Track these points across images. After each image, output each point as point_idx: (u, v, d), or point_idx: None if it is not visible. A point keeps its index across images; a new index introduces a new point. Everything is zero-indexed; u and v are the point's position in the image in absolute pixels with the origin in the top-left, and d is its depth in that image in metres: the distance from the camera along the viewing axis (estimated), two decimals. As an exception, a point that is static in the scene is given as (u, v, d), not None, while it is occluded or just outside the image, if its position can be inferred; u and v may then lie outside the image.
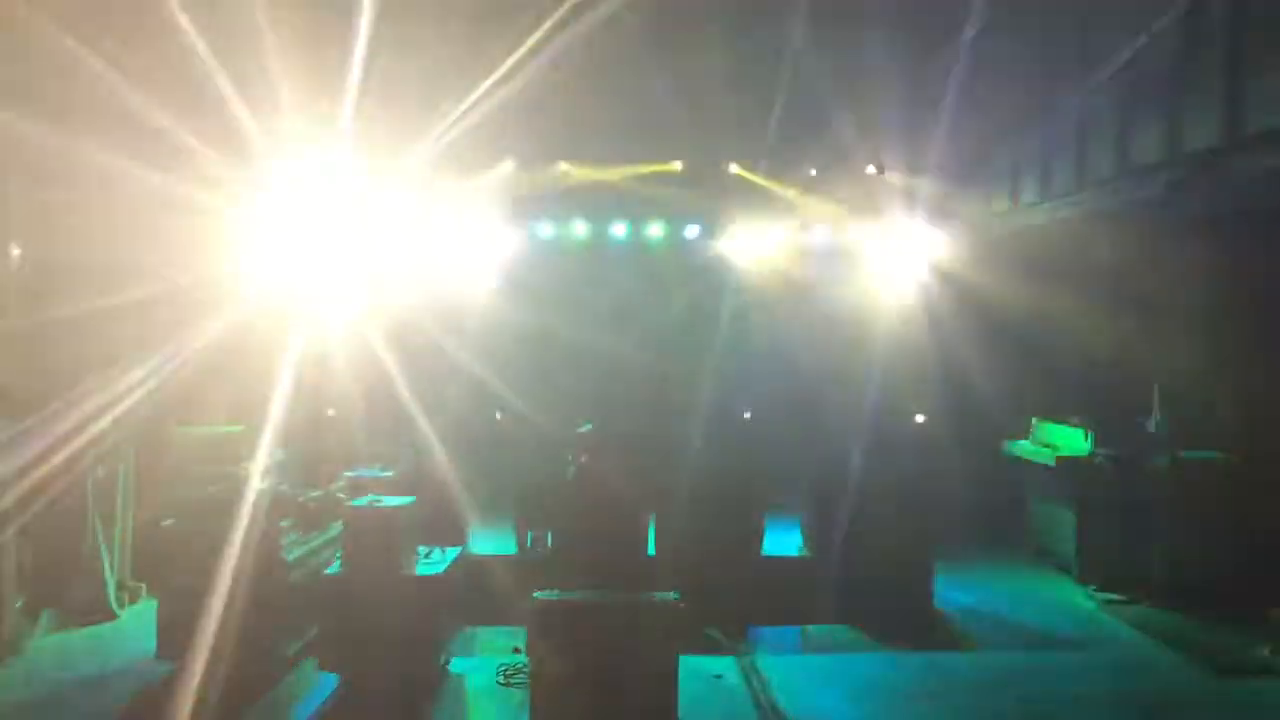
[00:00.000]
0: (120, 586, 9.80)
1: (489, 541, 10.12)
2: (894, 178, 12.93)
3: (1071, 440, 11.09)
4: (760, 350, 13.70)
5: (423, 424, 12.69)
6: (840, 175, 13.12)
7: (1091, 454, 10.64)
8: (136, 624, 9.22)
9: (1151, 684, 8.05)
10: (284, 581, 7.83)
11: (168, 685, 7.81)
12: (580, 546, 8.01)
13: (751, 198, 13.00)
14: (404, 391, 13.27)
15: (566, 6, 12.57)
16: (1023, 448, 11.98)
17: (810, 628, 9.37)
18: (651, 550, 9.32)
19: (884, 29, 13.41)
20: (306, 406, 12.38)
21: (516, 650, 8.28)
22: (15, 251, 9.63)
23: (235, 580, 7.77)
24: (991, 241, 12.13)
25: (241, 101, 10.40)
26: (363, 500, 8.06)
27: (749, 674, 8.21)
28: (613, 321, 13.73)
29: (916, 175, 13.22)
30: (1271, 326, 10.13)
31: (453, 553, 8.38)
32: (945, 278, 13.08)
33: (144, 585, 9.90)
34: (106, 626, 9.31)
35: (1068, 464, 10.89)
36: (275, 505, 8.24)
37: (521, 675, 7.82)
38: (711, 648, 8.75)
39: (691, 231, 13.15)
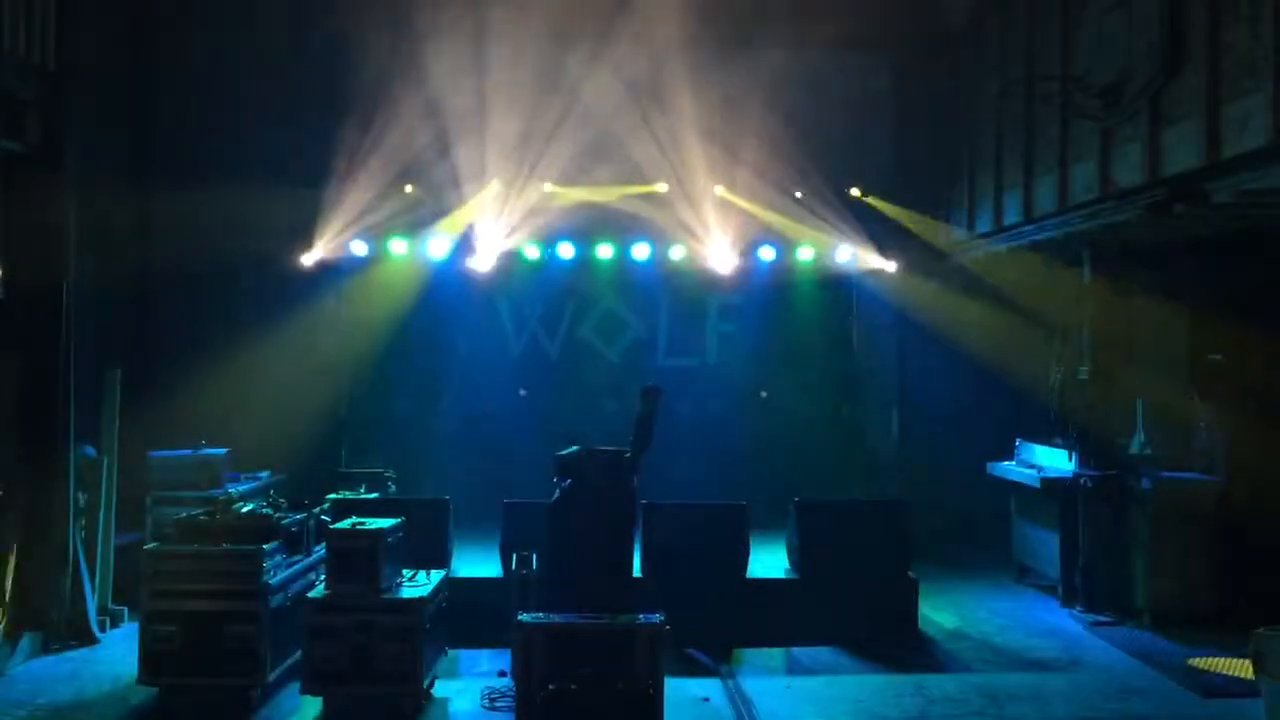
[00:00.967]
0: (102, 610, 9.73)
1: (474, 563, 10.09)
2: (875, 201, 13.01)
3: (1056, 461, 11.12)
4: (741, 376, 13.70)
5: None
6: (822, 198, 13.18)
7: (1076, 475, 10.66)
8: (118, 648, 9.15)
9: (1138, 705, 8.05)
10: (267, 605, 7.77)
11: (149, 710, 7.80)
12: (565, 569, 7.98)
13: (734, 219, 13.02)
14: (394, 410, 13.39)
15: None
16: (1007, 468, 12.01)
17: (796, 649, 9.34)
18: (637, 572, 9.31)
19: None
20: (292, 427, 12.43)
21: (501, 674, 8.25)
22: None
23: (217, 604, 7.75)
24: (970, 264, 12.19)
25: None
26: (346, 523, 8.04)
27: (735, 696, 8.19)
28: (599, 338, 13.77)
29: (894, 197, 13.33)
30: (1251, 346, 10.20)
31: (437, 575, 8.35)
32: (923, 300, 13.16)
33: (126, 609, 9.84)
34: (88, 650, 9.23)
35: (1052, 485, 10.91)
36: (259, 528, 8.20)
37: (506, 699, 7.78)
38: (697, 670, 8.73)
39: (677, 252, 13.14)
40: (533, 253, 13.19)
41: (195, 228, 12.96)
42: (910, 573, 10.04)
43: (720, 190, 12.90)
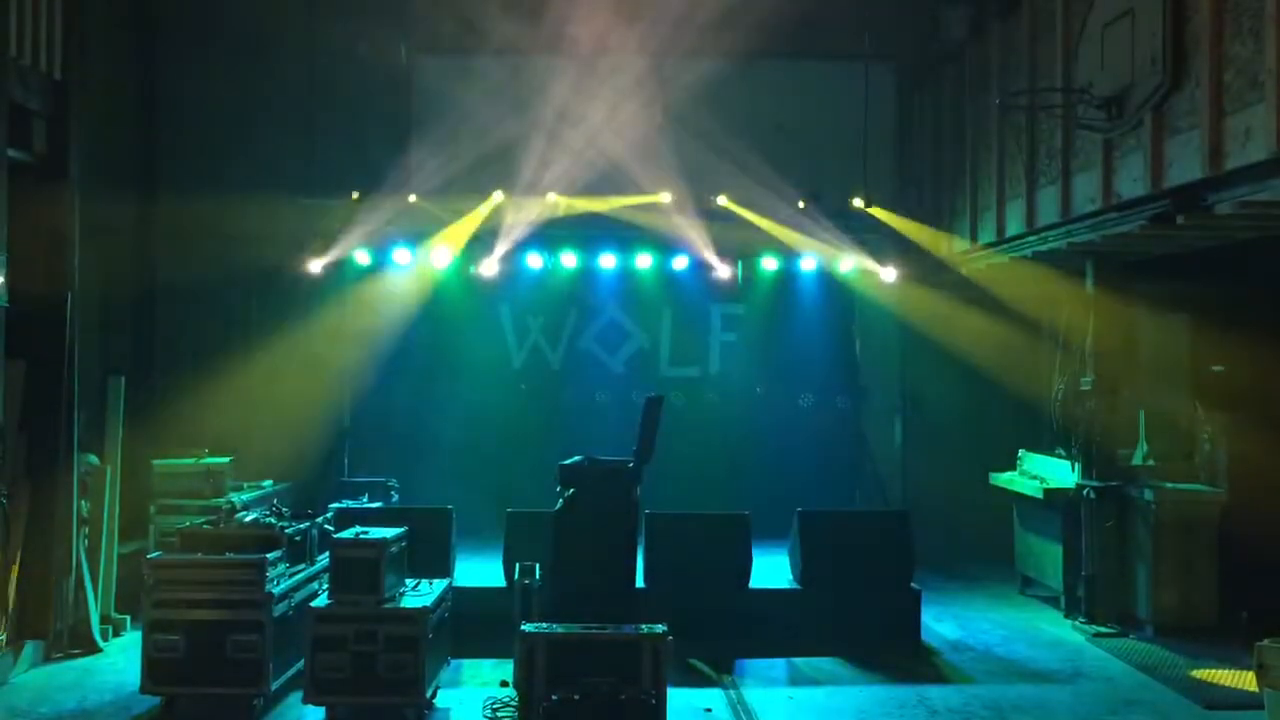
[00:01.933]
0: (105, 619, 9.74)
1: (476, 573, 10.09)
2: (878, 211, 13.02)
3: (1058, 472, 11.12)
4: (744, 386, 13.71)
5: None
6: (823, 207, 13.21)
7: (1078, 486, 10.67)
8: (121, 657, 9.17)
9: (1141, 717, 8.04)
10: (270, 614, 7.77)
11: (152, 719, 7.80)
12: (568, 578, 7.99)
13: (736, 229, 13.05)
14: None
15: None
16: (1010, 479, 12.01)
17: (798, 660, 9.34)
18: (640, 582, 9.31)
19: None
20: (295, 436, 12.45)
21: (504, 684, 8.24)
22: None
23: (220, 613, 7.75)
24: (972, 275, 12.20)
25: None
26: (349, 532, 8.05)
27: (737, 707, 8.18)
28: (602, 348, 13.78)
29: (896, 207, 13.35)
30: (1254, 358, 10.22)
31: (440, 584, 8.36)
32: (926, 310, 13.17)
33: (128, 618, 9.84)
34: (90, 660, 9.24)
35: (1054, 496, 10.91)
36: (262, 537, 8.21)
37: (509, 709, 7.78)
38: (700, 680, 8.73)
39: (680, 262, 13.17)
40: (535, 262, 13.20)
41: (199, 237, 13.02)
42: (913, 583, 10.04)
43: (723, 200, 12.91)
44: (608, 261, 13.31)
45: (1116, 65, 8.87)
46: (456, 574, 9.70)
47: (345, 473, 12.93)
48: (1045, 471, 11.44)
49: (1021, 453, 12.12)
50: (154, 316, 13.28)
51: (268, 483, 11.82)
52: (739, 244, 13.20)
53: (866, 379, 13.95)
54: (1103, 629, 10.22)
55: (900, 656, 9.43)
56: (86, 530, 9.77)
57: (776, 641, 9.57)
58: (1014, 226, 11.08)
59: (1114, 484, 10.54)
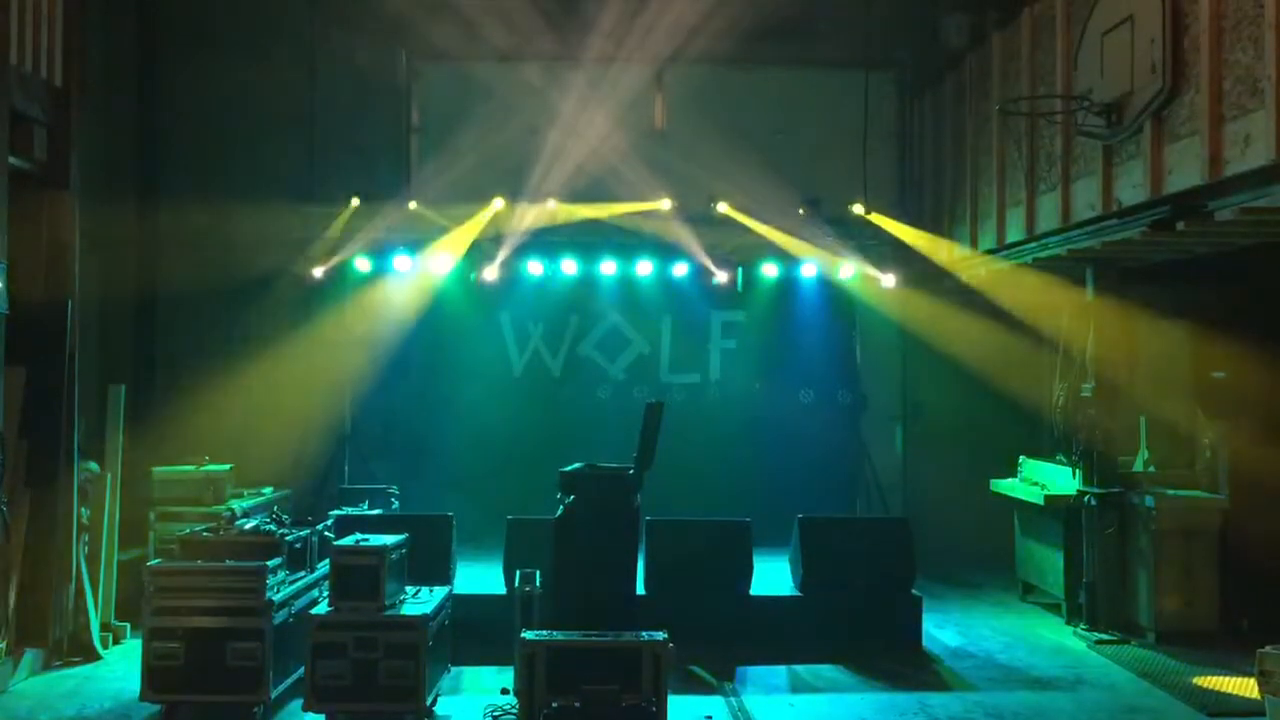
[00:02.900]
0: (104, 626, 9.73)
1: (477, 580, 10.09)
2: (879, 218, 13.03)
3: (1059, 479, 11.11)
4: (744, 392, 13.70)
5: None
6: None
7: (1079, 492, 10.66)
8: (121, 665, 9.16)
9: (1141, 724, 8.04)
10: (270, 621, 7.77)
11: (152, 727, 7.80)
12: (568, 586, 7.98)
13: (737, 236, 13.06)
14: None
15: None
16: (1011, 486, 12.01)
17: (799, 667, 9.33)
18: (640, 589, 9.30)
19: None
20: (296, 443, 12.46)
21: (505, 691, 8.23)
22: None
23: (220, 621, 7.75)
24: (973, 281, 12.21)
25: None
26: (349, 539, 8.04)
27: (738, 714, 8.17)
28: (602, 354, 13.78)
29: (897, 213, 13.35)
30: (1255, 364, 10.22)
31: (440, 591, 8.35)
32: (927, 317, 13.17)
33: (128, 625, 9.84)
34: (90, 667, 9.23)
35: (1055, 503, 10.91)
36: (262, 544, 8.20)
37: (510, 716, 7.76)
38: (701, 687, 8.72)
39: (680, 269, 13.18)
40: (536, 269, 13.21)
41: (200, 244, 13.05)
42: (914, 590, 10.04)
43: (723, 207, 12.92)
44: (608, 268, 13.31)
45: (1116, 72, 8.88)
46: (457, 581, 9.70)
47: (345, 480, 12.94)
48: (1046, 478, 11.44)
49: (1022, 459, 12.11)
50: (154, 324, 13.28)
51: (268, 490, 11.82)
52: (739, 250, 13.21)
53: (867, 385, 13.95)
54: (1104, 636, 10.21)
55: (901, 664, 9.41)
56: (86, 537, 9.76)
57: (777, 648, 9.56)
58: (1014, 233, 11.09)
59: (1115, 490, 10.54)
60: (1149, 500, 10.28)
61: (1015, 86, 10.97)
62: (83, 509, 9.73)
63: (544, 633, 7.16)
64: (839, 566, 9.94)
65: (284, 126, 13.51)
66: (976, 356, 12.62)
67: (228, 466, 11.35)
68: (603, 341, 13.81)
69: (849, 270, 13.08)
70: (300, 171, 13.37)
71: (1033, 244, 10.71)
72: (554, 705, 6.71)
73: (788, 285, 13.56)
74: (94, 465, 10.03)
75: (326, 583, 8.00)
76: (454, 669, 8.69)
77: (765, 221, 12.91)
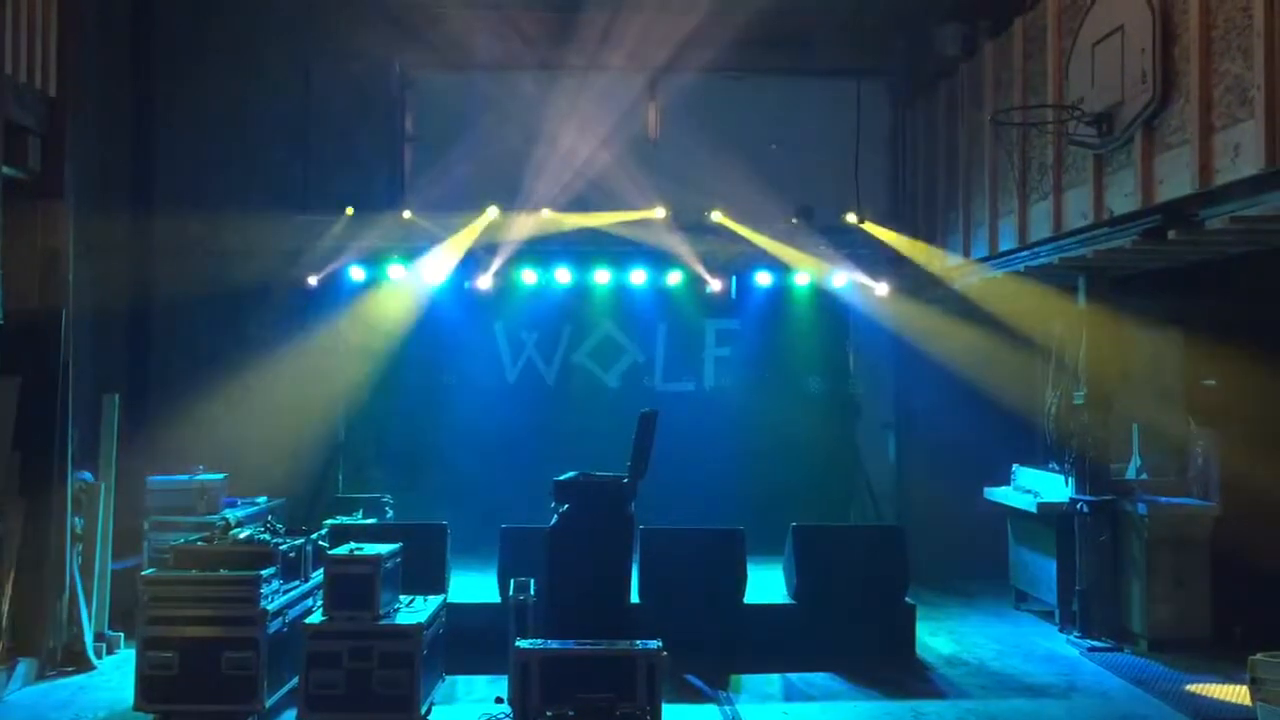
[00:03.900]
0: (98, 636, 9.71)
1: (471, 589, 10.09)
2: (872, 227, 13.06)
3: (1052, 486, 11.14)
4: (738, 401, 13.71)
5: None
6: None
7: (1072, 500, 10.69)
8: (115, 675, 9.16)
9: (1134, 731, 8.06)
10: (264, 631, 7.77)
11: (146, 737, 7.80)
12: (563, 594, 8.00)
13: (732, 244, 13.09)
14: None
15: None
16: (1004, 494, 12.03)
17: (793, 675, 9.34)
18: (634, 597, 9.32)
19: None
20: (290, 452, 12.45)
21: (499, 700, 8.23)
22: None
23: (214, 630, 7.75)
24: (966, 289, 12.24)
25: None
26: (343, 548, 8.04)
27: (732, 723, 8.19)
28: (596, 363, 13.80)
29: (890, 222, 13.38)
30: (1246, 372, 10.26)
31: (435, 600, 8.36)
32: (920, 325, 13.21)
33: (122, 635, 9.83)
34: (84, 677, 9.22)
35: (1049, 510, 10.94)
36: (256, 553, 8.20)
37: (504, 725, 7.78)
38: (695, 696, 8.72)
39: (674, 278, 13.21)
40: (530, 278, 13.24)
41: (194, 253, 13.05)
42: (907, 598, 10.06)
43: (717, 215, 12.96)
44: (602, 277, 13.34)
45: (1107, 82, 8.92)
46: (451, 590, 9.69)
47: (339, 489, 12.95)
48: (1039, 486, 11.47)
49: (1015, 467, 12.14)
50: (148, 333, 13.27)
51: (262, 499, 11.79)
52: (733, 259, 13.24)
53: (860, 394, 13.97)
54: (1097, 643, 10.23)
55: (895, 671, 9.43)
56: (80, 547, 9.75)
57: (771, 657, 9.57)
58: (1006, 242, 11.13)
59: (1107, 498, 10.57)
60: (1141, 508, 10.31)
61: (1007, 96, 11.02)
62: (76, 518, 9.71)
63: (538, 641, 7.17)
64: (833, 575, 9.95)
65: (278, 136, 13.52)
66: (970, 365, 12.65)
67: (222, 476, 11.33)
68: (597, 350, 13.82)
69: (842, 279, 13.11)
70: (294, 180, 13.37)
71: (1025, 252, 10.75)
72: (548, 714, 6.72)
73: (781, 294, 13.59)
74: (88, 475, 10.02)
75: (321, 592, 8.02)
76: (448, 678, 8.69)
77: (759, 230, 12.95)
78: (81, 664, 9.39)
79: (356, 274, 13.01)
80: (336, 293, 13.09)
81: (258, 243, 12.87)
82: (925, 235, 13.20)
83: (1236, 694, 8.46)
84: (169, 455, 11.68)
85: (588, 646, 7.08)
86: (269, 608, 7.87)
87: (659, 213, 12.91)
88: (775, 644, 9.72)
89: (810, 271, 13.21)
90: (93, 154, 11.09)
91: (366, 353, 13.09)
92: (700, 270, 13.04)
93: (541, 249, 13.02)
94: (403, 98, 14.05)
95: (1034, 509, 11.12)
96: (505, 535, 9.88)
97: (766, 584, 10.40)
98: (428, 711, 7.99)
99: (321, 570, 8.18)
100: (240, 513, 10.93)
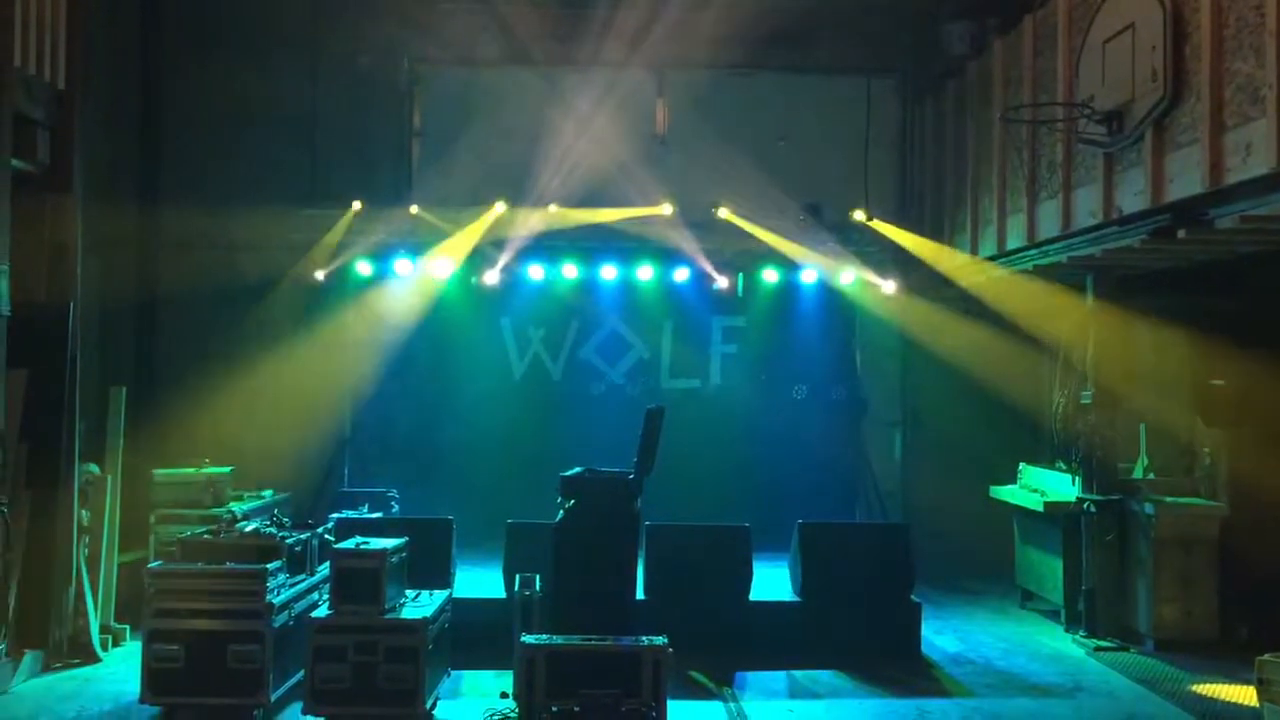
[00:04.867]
0: (104, 629, 9.73)
1: (477, 584, 10.09)
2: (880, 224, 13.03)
3: (1059, 486, 11.12)
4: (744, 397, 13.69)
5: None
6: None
7: (1079, 500, 10.67)
8: (121, 667, 9.16)
9: (1140, 731, 8.05)
10: (270, 624, 7.77)
11: (151, 729, 7.81)
12: (568, 590, 8.00)
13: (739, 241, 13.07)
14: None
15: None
16: (1010, 493, 12.01)
17: (798, 673, 9.34)
18: (640, 594, 9.31)
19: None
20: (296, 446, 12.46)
21: (504, 695, 8.23)
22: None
23: (220, 623, 7.75)
24: (973, 288, 12.22)
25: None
26: (349, 543, 8.05)
27: (737, 719, 8.17)
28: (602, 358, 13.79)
29: (898, 220, 13.36)
30: (1254, 372, 10.23)
31: (440, 595, 8.36)
32: (927, 323, 13.18)
33: (128, 628, 9.84)
34: (90, 669, 9.24)
35: (1055, 510, 10.92)
36: (262, 547, 8.21)
37: (509, 720, 7.78)
38: (700, 692, 8.72)
39: (681, 274, 13.19)
40: (537, 273, 13.22)
41: (201, 247, 13.07)
42: (913, 596, 10.04)
43: (724, 212, 12.94)
44: (609, 273, 13.32)
45: (1117, 80, 8.91)
46: (457, 585, 9.71)
47: (345, 483, 12.94)
48: (1045, 485, 11.45)
49: (1022, 466, 12.12)
50: (155, 326, 13.29)
51: (268, 493, 11.82)
52: (740, 256, 13.22)
53: (867, 392, 13.95)
54: (1103, 643, 10.22)
55: (900, 670, 9.41)
56: (87, 539, 9.77)
57: (777, 654, 9.56)
58: (1015, 240, 11.11)
59: (1114, 498, 10.55)
60: (1148, 508, 10.29)
61: (1017, 94, 11.00)
62: (83, 511, 9.74)
63: (544, 637, 7.17)
64: (838, 572, 9.94)
65: (286, 130, 13.53)
66: (977, 363, 12.62)
67: (228, 469, 11.35)
68: (603, 346, 13.81)
69: (849, 276, 13.09)
70: (302, 175, 13.38)
71: (1033, 251, 10.73)
72: (553, 709, 6.72)
73: (788, 291, 13.55)
74: (94, 467, 10.03)
75: (326, 586, 8.02)
76: (453, 673, 8.69)
77: (766, 227, 12.92)
78: (88, 656, 9.41)
79: (363, 269, 13.01)
80: (343, 287, 13.08)
81: (265, 237, 12.88)
82: (933, 233, 13.18)
83: (1243, 694, 8.43)
84: (175, 448, 11.69)
85: (593, 642, 7.08)
86: (275, 601, 7.88)
87: (666, 209, 12.89)
88: (780, 641, 9.71)
89: (817, 269, 13.18)
90: (100, 147, 11.11)
91: (373, 347, 13.08)
92: (707, 267, 13.01)
93: (548, 244, 13.00)
94: (410, 92, 14.05)
95: (1040, 508, 11.11)
96: (511, 530, 9.88)
97: (772, 581, 10.40)
98: (433, 706, 8.00)
99: (327, 564, 8.18)
100: (246, 506, 10.98)
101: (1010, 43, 11.31)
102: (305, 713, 7.60)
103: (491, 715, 7.97)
